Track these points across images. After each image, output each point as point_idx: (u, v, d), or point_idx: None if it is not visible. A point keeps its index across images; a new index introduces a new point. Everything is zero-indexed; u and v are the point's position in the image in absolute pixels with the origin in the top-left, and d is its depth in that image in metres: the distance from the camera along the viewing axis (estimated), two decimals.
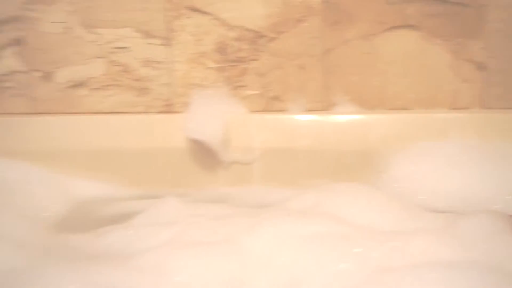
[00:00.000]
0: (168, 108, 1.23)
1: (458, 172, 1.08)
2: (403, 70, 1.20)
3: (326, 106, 1.21)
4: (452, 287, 0.67)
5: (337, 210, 0.91)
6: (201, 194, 1.13)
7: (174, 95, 1.22)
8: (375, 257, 0.77)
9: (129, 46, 1.21)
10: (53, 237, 0.88)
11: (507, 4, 1.16)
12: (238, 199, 1.10)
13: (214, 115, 1.17)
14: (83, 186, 1.13)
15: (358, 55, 1.20)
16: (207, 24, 1.19)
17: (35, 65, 1.24)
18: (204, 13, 1.19)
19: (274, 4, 1.18)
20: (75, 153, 1.18)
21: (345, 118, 1.19)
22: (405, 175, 1.10)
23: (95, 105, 1.24)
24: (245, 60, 1.20)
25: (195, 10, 1.19)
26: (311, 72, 1.21)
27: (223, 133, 1.16)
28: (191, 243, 0.78)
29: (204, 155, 1.17)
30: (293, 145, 1.17)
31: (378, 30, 1.19)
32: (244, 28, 1.19)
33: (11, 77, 1.24)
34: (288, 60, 1.20)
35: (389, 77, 1.20)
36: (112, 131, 1.19)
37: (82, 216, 1.04)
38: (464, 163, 1.09)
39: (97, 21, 1.21)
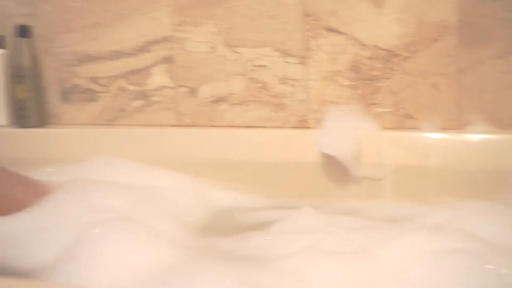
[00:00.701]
0: (303, 124, 1.29)
1: None
2: None
3: (459, 125, 1.22)
4: None
5: (469, 227, 0.92)
6: (332, 206, 1.17)
7: (309, 111, 1.28)
8: (506, 274, 0.78)
9: (268, 64, 1.29)
10: (201, 239, 0.96)
11: None
12: (369, 213, 1.13)
13: (346, 131, 1.21)
14: (223, 194, 1.21)
15: (493, 74, 1.20)
16: (343, 44, 1.24)
17: (181, 81, 1.34)
18: (340, 33, 1.24)
19: (408, 24, 1.21)
20: (216, 163, 1.26)
21: (478, 137, 1.18)
22: None
23: (235, 119, 1.32)
24: (379, 78, 1.24)
25: (331, 30, 1.24)
26: (444, 91, 1.22)
27: (355, 149, 1.19)
28: (328, 252, 0.82)
29: (336, 169, 1.21)
30: (425, 162, 1.18)
31: None
32: (378, 47, 1.23)
33: (160, 92, 1.36)
34: (421, 79, 1.22)
35: None
36: (250, 144, 1.26)
37: (224, 222, 1.11)
38: None
39: (238, 41, 1.30)
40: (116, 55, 1.37)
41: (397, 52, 1.22)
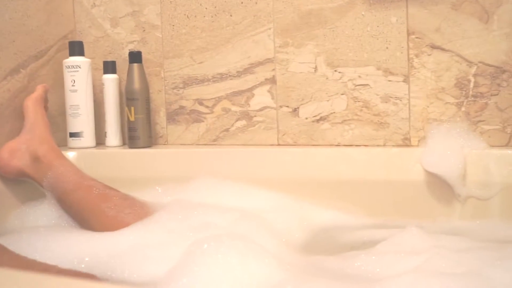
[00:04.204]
0: (406, 142, 1.28)
1: None
2: None
3: None
4: None
5: None
6: (436, 226, 1.15)
7: (412, 130, 1.27)
8: None
9: (370, 83, 1.29)
10: (306, 258, 0.97)
11: None
12: (476, 233, 1.10)
13: (452, 150, 1.19)
14: (325, 214, 1.21)
15: None
16: (447, 61, 1.22)
17: (283, 102, 1.37)
18: (444, 50, 1.23)
19: None
20: (317, 182, 1.27)
21: None
22: None
23: (336, 138, 1.33)
24: (486, 95, 1.21)
25: (436, 47, 1.23)
26: None
27: (461, 168, 1.16)
28: (436, 273, 0.81)
29: (440, 188, 1.18)
30: None
31: None
32: (484, 63, 1.20)
33: (263, 112, 1.39)
34: None
35: None
36: (352, 163, 1.26)
37: (327, 241, 1.11)
38: None
39: (341, 61, 1.31)
40: (221, 77, 1.42)
41: (505, 68, 1.19)
